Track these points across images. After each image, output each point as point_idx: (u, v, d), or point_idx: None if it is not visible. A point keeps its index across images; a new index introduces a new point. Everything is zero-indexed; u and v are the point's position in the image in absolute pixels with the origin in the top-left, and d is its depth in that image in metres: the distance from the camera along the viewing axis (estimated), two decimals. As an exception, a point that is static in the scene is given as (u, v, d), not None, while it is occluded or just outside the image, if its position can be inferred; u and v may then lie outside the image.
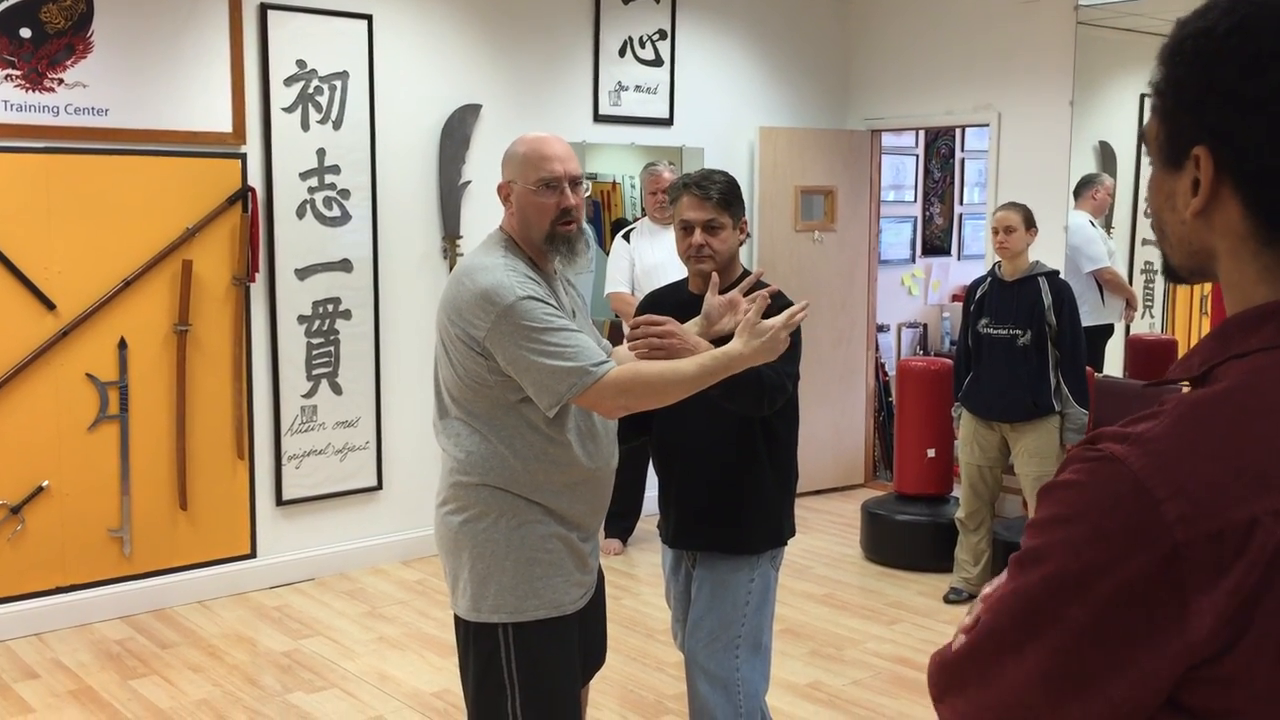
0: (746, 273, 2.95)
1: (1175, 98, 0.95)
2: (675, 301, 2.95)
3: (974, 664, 0.94)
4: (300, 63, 5.15)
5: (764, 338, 2.42)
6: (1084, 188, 6.01)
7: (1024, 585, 0.90)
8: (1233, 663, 0.84)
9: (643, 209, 6.01)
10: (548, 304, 2.39)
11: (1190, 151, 0.93)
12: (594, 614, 2.68)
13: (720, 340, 2.62)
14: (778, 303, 2.78)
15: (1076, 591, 0.86)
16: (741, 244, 2.99)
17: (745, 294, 2.73)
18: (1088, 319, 5.07)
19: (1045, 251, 5.28)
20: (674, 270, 4.64)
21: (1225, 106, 0.90)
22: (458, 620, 2.55)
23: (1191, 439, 0.87)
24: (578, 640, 2.57)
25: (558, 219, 2.48)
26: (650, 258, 5.57)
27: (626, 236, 5.78)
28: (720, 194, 2.87)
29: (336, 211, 5.31)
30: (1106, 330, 6.01)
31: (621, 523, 5.85)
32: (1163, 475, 0.85)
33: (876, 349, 7.38)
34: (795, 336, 2.76)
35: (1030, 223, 4.90)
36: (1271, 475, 0.84)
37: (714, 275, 2.78)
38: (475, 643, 2.51)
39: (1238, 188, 0.92)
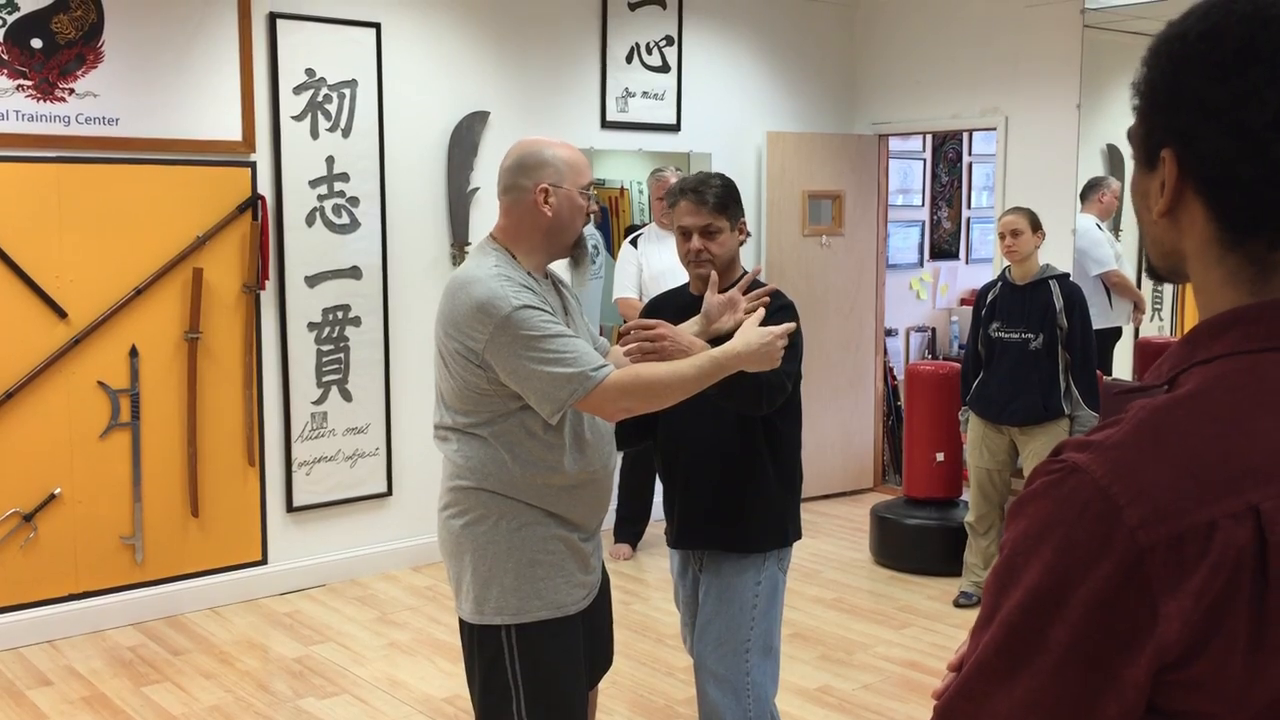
0: (746, 273, 2.96)
1: (1150, 99, 0.96)
2: (677, 306, 2.96)
3: (967, 701, 0.92)
4: (309, 71, 5.18)
5: (764, 340, 2.45)
6: (1091, 191, 6.01)
7: (1004, 613, 0.89)
8: (1204, 665, 0.83)
9: (650, 214, 6.03)
10: (543, 310, 2.40)
11: (1159, 153, 0.94)
12: (599, 615, 2.69)
13: (719, 339, 2.64)
14: (776, 301, 2.81)
15: (1055, 609, 0.86)
16: (741, 244, 3.00)
17: (744, 293, 2.76)
18: (1096, 322, 5.07)
19: (1053, 255, 5.28)
20: (682, 274, 4.63)
21: (1191, 111, 0.91)
22: (462, 623, 2.56)
23: (1151, 444, 0.86)
24: (583, 641, 2.58)
25: (585, 222, 2.62)
26: (658, 263, 5.58)
27: (634, 242, 5.79)
28: (716, 198, 2.87)
29: (346, 219, 5.34)
30: (1115, 333, 6.01)
31: (631, 527, 5.86)
32: (1124, 481, 0.85)
33: (885, 353, 7.38)
34: (796, 336, 2.77)
35: (1036, 226, 4.90)
36: (1230, 479, 0.84)
37: (713, 274, 2.80)
38: (479, 645, 2.52)
39: (1199, 192, 0.92)
